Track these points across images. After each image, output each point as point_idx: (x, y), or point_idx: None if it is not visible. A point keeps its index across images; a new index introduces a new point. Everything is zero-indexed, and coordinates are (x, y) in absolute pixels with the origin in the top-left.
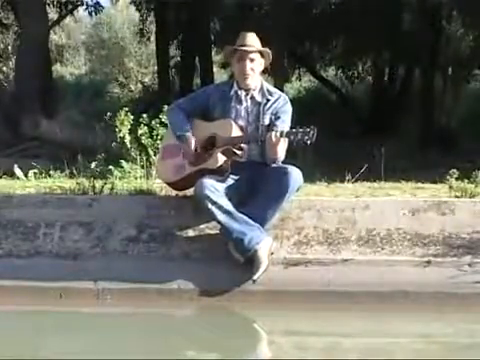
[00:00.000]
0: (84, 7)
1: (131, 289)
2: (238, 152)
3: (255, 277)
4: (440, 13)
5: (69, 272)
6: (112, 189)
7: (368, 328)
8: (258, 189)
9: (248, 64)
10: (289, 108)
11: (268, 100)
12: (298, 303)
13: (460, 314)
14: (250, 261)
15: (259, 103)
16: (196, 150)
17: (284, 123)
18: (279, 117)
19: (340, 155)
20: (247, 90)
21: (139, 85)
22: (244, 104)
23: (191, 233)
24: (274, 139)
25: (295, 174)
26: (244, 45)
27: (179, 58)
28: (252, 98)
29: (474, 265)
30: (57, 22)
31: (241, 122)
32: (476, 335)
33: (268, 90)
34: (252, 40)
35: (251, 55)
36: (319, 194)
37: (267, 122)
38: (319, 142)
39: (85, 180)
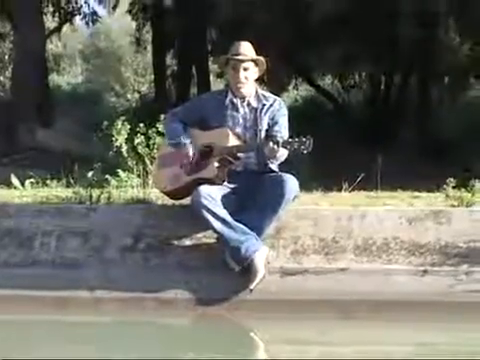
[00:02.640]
0: (81, 16)
1: (128, 298)
2: (234, 161)
3: (252, 286)
4: (437, 22)
5: (66, 281)
6: (109, 198)
7: (365, 337)
8: (254, 198)
9: (242, 73)
10: (285, 111)
11: (264, 105)
12: (295, 312)
13: (457, 323)
14: (247, 270)
15: (255, 109)
16: (194, 156)
17: (282, 127)
18: (277, 121)
19: (337, 164)
20: (242, 97)
21: (136, 94)
22: (241, 111)
23: (188, 242)
24: (271, 151)
25: (291, 183)
26: (238, 54)
27: (176, 67)
28: (248, 104)
29: (471, 274)
30: (54, 31)
31: (238, 129)
32: (473, 344)
33: (263, 95)
34: (246, 49)
35: (245, 64)
36: (315, 203)
37: (265, 127)
38: (315, 151)
39: (82, 189)
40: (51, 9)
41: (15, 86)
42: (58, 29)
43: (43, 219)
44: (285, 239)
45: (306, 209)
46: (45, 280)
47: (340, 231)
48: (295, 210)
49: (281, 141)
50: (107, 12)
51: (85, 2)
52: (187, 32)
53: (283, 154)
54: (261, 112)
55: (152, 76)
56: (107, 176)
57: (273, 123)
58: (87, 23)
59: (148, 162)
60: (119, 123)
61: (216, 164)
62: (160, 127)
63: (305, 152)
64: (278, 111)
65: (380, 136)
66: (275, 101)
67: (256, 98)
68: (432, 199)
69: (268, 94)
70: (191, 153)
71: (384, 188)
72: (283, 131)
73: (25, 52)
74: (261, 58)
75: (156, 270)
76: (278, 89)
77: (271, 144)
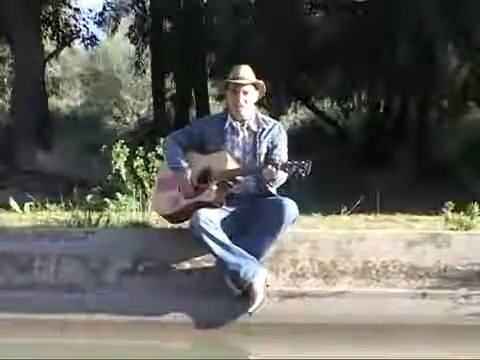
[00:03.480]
0: (80, 40)
1: (127, 321)
2: (233, 185)
3: (251, 309)
4: (435, 46)
5: (65, 305)
6: (108, 222)
7: None
8: (253, 221)
9: (242, 96)
10: (285, 135)
11: (263, 129)
12: (294, 335)
13: (456, 346)
14: (246, 293)
15: (255, 133)
16: (192, 182)
17: (282, 151)
18: (276, 145)
19: (336, 187)
20: (242, 121)
21: (135, 117)
22: (241, 135)
23: (187, 265)
24: (270, 174)
25: (290, 206)
26: (237, 78)
27: (175, 90)
28: (248, 128)
29: (469, 297)
30: (53, 55)
31: (238, 153)
32: None
33: (263, 119)
34: (245, 72)
35: (244, 88)
36: (315, 226)
37: (264, 151)
38: (314, 174)
39: (81, 213)
40: (50, 32)
41: (14, 109)
42: (57, 52)
43: (42, 242)
44: (284, 262)
45: (305, 232)
46: (44, 303)
47: (339, 254)
48: (294, 233)
49: (280, 164)
50: (106, 35)
51: (84, 25)
52: (186, 55)
53: (282, 177)
54: (260, 136)
55: (151, 99)
56: (106, 199)
57: (272, 147)
58: (86, 46)
59: (147, 185)
60: (118, 146)
61: (215, 188)
62: (159, 150)
63: (304, 175)
64: (277, 135)
65: (379, 159)
66: (274, 125)
67: (256, 122)
68: (431, 222)
69: (268, 118)
70: (190, 177)
71: (383, 211)
72: (282, 155)
73: (24, 75)
74: (261, 82)
75: (155, 293)
76: (277, 112)
77: (270, 167)
